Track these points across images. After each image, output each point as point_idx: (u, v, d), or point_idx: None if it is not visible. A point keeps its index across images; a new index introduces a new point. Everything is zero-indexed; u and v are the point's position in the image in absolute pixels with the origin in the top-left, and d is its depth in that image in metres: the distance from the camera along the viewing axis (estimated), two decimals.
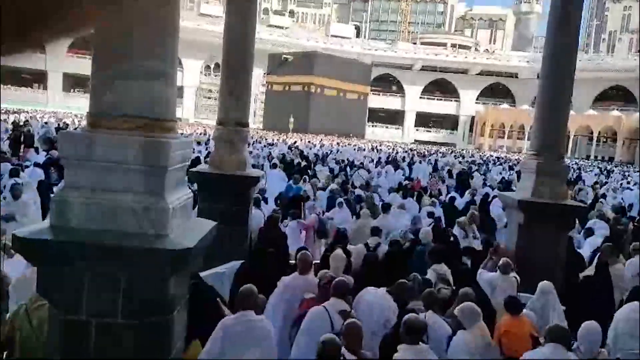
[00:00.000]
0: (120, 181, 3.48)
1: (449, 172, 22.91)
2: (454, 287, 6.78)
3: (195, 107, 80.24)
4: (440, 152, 45.49)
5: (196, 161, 13.81)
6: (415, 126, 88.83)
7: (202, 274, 6.26)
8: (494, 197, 14.05)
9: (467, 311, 4.99)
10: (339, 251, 6.58)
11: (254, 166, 12.06)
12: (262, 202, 10.50)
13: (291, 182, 13.99)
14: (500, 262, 6.82)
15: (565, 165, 8.75)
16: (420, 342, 4.30)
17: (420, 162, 26.98)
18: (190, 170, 9.02)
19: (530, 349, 4.76)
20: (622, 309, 5.99)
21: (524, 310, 5.53)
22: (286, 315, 5.52)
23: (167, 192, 3.57)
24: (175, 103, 3.80)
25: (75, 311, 3.39)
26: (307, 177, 14.90)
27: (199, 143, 25.49)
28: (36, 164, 13.55)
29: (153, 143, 3.48)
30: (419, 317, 4.49)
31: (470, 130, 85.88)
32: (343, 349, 4.01)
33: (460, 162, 31.66)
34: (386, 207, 10.71)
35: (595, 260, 8.38)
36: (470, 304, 5.10)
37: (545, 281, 6.26)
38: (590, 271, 8.07)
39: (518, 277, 6.74)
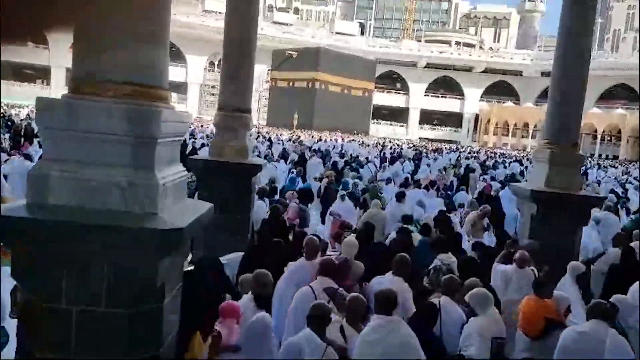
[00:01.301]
0: (104, 153, 3.12)
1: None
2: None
3: (199, 104, 79.89)
4: (448, 149, 45.14)
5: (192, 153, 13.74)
6: (419, 124, 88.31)
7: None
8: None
9: (479, 297, 4.81)
10: (351, 237, 6.47)
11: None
12: (271, 192, 10.53)
13: (294, 174, 13.91)
14: (517, 255, 6.43)
15: (580, 154, 8.39)
16: (392, 314, 4.09)
17: (426, 157, 26.75)
18: (189, 157, 8.73)
19: (540, 329, 4.90)
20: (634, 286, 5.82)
21: (555, 293, 5.38)
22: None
23: (157, 166, 3.22)
24: (167, 69, 3.44)
25: (54, 298, 3.04)
26: (301, 169, 15.19)
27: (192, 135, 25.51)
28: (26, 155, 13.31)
29: (141, 111, 3.12)
30: (391, 289, 4.33)
31: (475, 128, 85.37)
32: (344, 322, 4.14)
33: (466, 158, 31.41)
34: (400, 196, 10.77)
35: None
36: (481, 289, 4.95)
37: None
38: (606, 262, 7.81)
39: (536, 270, 6.40)
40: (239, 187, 7.83)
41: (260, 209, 8.96)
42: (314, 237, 6.11)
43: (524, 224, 8.41)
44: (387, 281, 5.24)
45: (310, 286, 4.94)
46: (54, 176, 3.10)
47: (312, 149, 27.21)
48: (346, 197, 10.90)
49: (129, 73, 3.17)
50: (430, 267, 6.08)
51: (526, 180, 12.67)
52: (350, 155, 24.70)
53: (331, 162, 20.50)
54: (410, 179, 16.15)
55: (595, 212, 11.40)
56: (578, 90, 8.18)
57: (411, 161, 24.21)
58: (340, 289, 4.87)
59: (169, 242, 3.09)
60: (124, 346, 3.11)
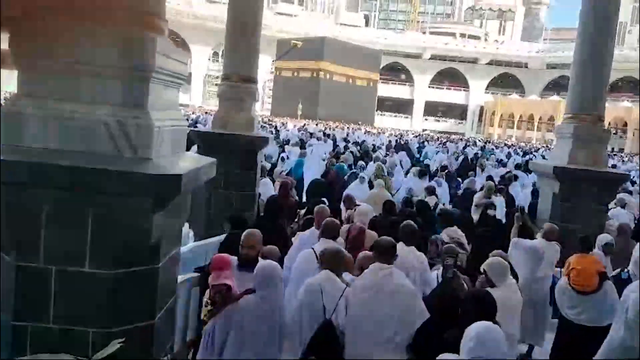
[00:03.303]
0: (89, 88, 2.67)
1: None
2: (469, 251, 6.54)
3: (203, 94, 79.32)
4: (455, 139, 44.81)
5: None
6: (423, 115, 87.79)
7: (205, 242, 5.76)
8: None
9: (497, 267, 4.56)
10: (364, 205, 6.31)
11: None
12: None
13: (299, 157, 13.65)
14: (546, 227, 6.22)
15: (607, 129, 7.93)
16: (391, 263, 4.06)
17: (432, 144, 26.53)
18: (190, 129, 8.28)
19: (595, 283, 5.06)
20: None
21: (594, 250, 5.52)
22: None
23: (151, 105, 2.77)
24: None
25: (31, 256, 2.60)
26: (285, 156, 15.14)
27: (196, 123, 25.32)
28: None
29: (133, 39, 2.67)
30: (389, 239, 4.25)
31: (479, 120, 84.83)
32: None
33: (466, 146, 31.53)
34: (422, 173, 11.52)
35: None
36: (499, 259, 4.70)
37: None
38: None
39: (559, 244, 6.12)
40: (244, 161, 7.39)
41: (266, 185, 8.57)
42: (325, 207, 5.86)
43: (545, 203, 7.97)
44: (401, 249, 4.86)
45: (312, 249, 4.85)
46: (29, 114, 2.66)
47: (325, 132, 27.70)
48: (365, 180, 10.57)
49: None
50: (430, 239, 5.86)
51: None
52: (358, 142, 24.47)
53: (336, 147, 20.29)
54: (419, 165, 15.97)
55: None
56: (603, 62, 7.73)
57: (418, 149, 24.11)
58: (344, 250, 4.72)
59: (165, 192, 2.64)
60: (111, 312, 2.67)
